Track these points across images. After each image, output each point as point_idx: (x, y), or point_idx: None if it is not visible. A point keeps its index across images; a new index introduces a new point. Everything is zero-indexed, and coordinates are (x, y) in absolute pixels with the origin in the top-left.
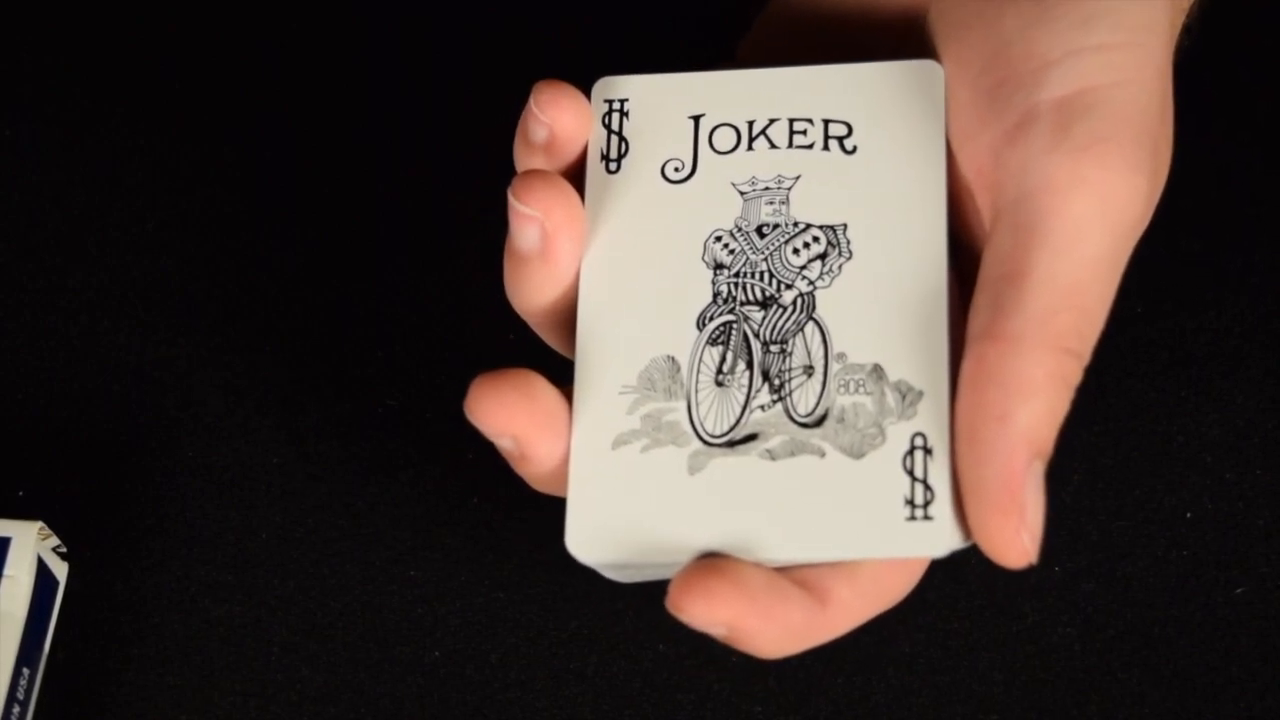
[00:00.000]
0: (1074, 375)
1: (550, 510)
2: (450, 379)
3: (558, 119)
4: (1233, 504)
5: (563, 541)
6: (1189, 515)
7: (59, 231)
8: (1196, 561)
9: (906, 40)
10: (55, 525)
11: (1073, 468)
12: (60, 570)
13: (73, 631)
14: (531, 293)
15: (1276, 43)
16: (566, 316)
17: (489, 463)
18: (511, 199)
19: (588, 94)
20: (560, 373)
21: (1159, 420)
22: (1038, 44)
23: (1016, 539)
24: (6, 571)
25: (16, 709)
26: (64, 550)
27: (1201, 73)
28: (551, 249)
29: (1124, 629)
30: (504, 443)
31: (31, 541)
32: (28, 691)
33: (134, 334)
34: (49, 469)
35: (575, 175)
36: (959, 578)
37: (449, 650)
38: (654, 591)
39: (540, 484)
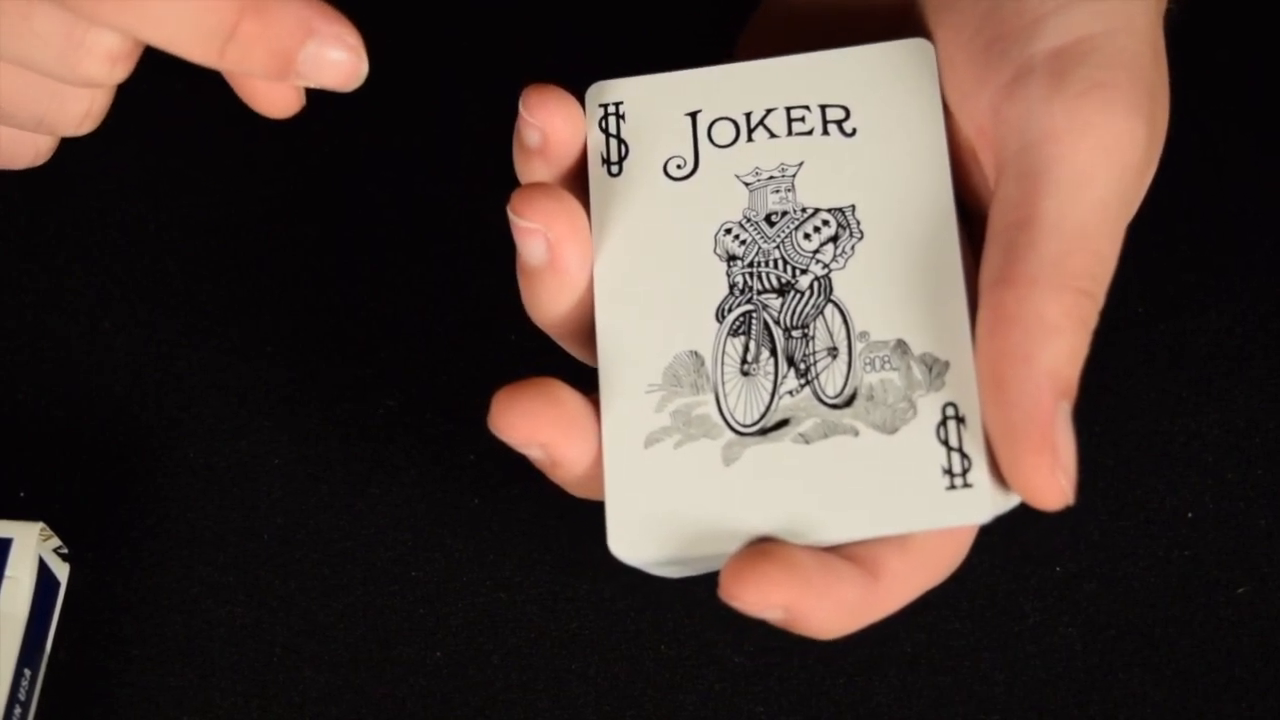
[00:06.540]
0: (1090, 316)
1: (552, 511)
2: (451, 379)
3: (549, 122)
4: (1234, 503)
5: (564, 542)
6: (1190, 515)
7: (59, 231)
8: (1198, 561)
9: (901, 24)
10: (57, 526)
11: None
12: (61, 571)
13: (74, 632)
14: (547, 304)
15: (1276, 42)
16: (585, 324)
17: (490, 463)
18: (512, 215)
19: (581, 98)
20: (574, 375)
21: (1160, 420)
22: (1028, 0)
23: (1053, 479)
24: (8, 572)
25: (18, 710)
26: (65, 551)
27: (1201, 72)
28: (559, 259)
29: (1125, 629)
30: (533, 452)
31: (33, 542)
32: (29, 692)
33: (135, 334)
34: (50, 470)
35: (577, 179)
36: (960, 577)
37: (451, 651)
38: (655, 592)
39: (575, 488)
